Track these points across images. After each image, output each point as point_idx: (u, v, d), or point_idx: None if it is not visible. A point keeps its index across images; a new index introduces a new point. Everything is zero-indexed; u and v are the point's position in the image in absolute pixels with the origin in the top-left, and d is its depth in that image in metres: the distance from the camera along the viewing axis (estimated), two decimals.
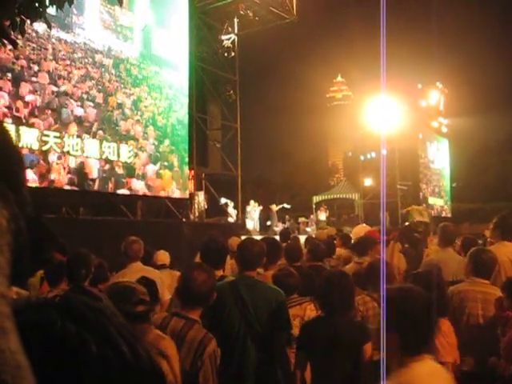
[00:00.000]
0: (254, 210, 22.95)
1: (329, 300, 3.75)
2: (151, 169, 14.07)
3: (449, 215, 32.02)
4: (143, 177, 13.78)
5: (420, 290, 2.60)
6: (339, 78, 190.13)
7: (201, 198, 18.82)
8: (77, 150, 11.91)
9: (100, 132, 12.61)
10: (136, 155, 13.55)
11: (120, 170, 13.04)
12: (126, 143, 13.33)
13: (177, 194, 15.13)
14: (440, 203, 32.05)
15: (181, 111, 15.48)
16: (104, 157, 12.58)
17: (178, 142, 15.21)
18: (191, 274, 3.37)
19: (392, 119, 25.22)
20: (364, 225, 9.91)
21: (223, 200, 21.03)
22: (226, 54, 20.74)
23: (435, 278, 3.90)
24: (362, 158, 30.57)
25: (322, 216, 28.56)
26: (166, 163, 14.60)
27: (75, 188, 11.84)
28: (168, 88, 15.04)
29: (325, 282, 3.86)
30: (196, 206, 18.31)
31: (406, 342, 2.39)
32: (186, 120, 15.74)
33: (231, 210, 20.99)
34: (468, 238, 6.69)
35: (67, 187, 11.64)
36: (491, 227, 5.82)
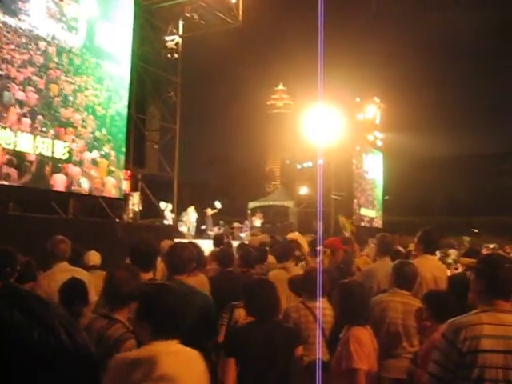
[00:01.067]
0: (192, 213, 22.89)
1: (259, 305, 3.84)
2: (88, 156, 14.01)
3: (380, 226, 32.86)
4: (80, 163, 13.64)
5: (174, 287, 3.12)
6: (281, 87, 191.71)
7: (136, 199, 18.63)
8: (9, 144, 11.64)
9: (40, 117, 12.48)
10: (70, 152, 13.36)
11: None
12: (63, 136, 13.17)
13: (112, 186, 14.94)
14: (372, 214, 32.86)
15: (119, 104, 15.44)
16: (37, 152, 12.35)
17: (115, 132, 15.17)
18: (114, 274, 3.41)
19: (330, 130, 25.72)
20: (297, 233, 10.09)
21: (163, 204, 20.90)
22: (169, 56, 20.65)
23: (357, 288, 4.06)
24: (298, 166, 30.98)
25: (257, 222, 28.74)
26: (103, 152, 14.55)
27: (5, 182, 11.54)
28: (109, 80, 15.04)
29: (252, 289, 3.95)
30: (130, 206, 18.12)
31: (155, 328, 2.81)
32: (124, 112, 15.67)
33: (168, 213, 20.88)
34: (397, 251, 6.98)
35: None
36: (415, 241, 6.08)
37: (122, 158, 15.54)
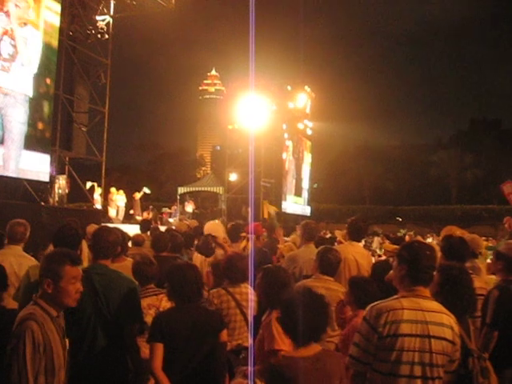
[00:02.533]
0: (119, 197, 22.53)
1: (182, 290, 3.85)
2: None
3: (308, 214, 33.39)
4: None
5: None
6: (213, 72, 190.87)
7: (62, 182, 18.15)
8: None
9: None
10: None
11: None
12: None
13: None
14: (300, 202, 33.33)
15: None
16: None
17: None
18: None
19: (260, 117, 25.84)
20: (217, 221, 10.13)
21: (89, 184, 20.49)
22: (99, 36, 20.15)
23: (280, 273, 4.14)
24: (228, 152, 30.99)
25: (189, 208, 28.66)
26: None
27: None
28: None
29: (175, 273, 3.96)
30: (56, 190, 17.64)
31: None
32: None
33: (97, 197, 20.48)
34: (320, 238, 7.15)
35: None
36: (346, 228, 6.30)
37: None
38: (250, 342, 4.21)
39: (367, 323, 3.18)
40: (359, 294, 4.24)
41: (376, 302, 3.28)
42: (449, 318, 3.22)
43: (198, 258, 7.05)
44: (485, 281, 5.63)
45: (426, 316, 3.14)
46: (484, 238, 22.28)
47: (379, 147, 53.71)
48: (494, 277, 5.94)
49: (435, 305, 3.25)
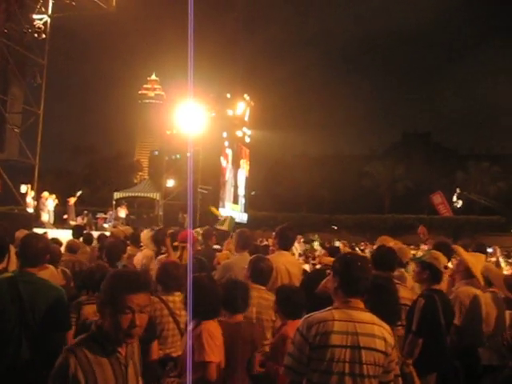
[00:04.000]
0: (49, 201, 21.95)
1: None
2: None
3: (245, 221, 33.49)
4: None
5: None
6: (153, 77, 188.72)
7: None
8: None
9: None
10: None
11: None
12: None
13: None
14: (237, 209, 33.40)
15: None
16: None
17: None
18: None
19: (199, 124, 25.79)
20: (150, 230, 10.07)
21: (24, 187, 19.92)
22: (36, 35, 19.62)
23: (207, 282, 4.14)
24: (166, 158, 30.76)
25: (122, 213, 28.19)
26: None
27: None
28: None
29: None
30: None
31: None
32: None
33: (29, 200, 19.91)
34: (255, 246, 7.20)
35: None
36: (273, 237, 6.34)
37: None
38: (188, 351, 4.20)
39: (300, 334, 3.24)
40: (286, 303, 4.31)
41: (310, 314, 3.34)
42: (381, 329, 3.28)
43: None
44: (410, 290, 5.84)
45: (356, 327, 3.20)
46: (413, 246, 22.98)
47: (316, 156, 54.55)
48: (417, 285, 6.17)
49: (367, 316, 3.31)
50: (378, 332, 3.25)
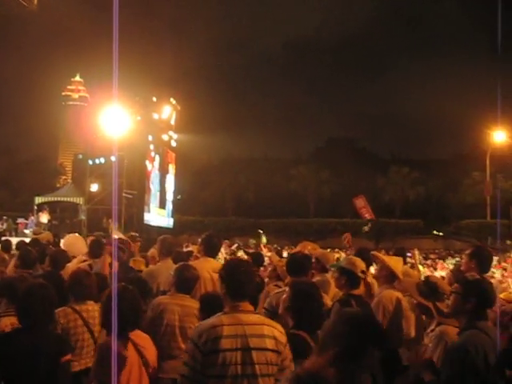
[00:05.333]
0: None
1: (30, 311, 3.68)
2: None
3: (171, 226, 33.19)
4: None
5: None
6: (77, 78, 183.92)
7: None
8: None
9: None
10: None
11: None
12: None
13: None
14: (164, 214, 33.05)
15: None
16: None
17: None
18: None
19: (124, 127, 25.36)
20: (76, 234, 9.81)
21: None
22: None
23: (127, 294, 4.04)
24: (90, 162, 30.05)
25: (44, 218, 27.32)
26: None
27: None
28: None
29: (26, 293, 3.78)
30: None
31: None
32: None
33: None
34: (177, 252, 7.15)
35: None
36: (198, 244, 6.32)
37: None
38: (113, 362, 4.09)
39: (192, 342, 3.30)
40: (209, 311, 4.29)
41: (201, 322, 3.45)
42: (271, 329, 3.38)
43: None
44: (332, 295, 5.94)
45: (245, 330, 3.28)
46: (337, 249, 23.50)
47: (242, 160, 54.73)
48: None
49: (256, 317, 3.43)
50: (268, 332, 3.34)
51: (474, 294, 3.71)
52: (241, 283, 3.42)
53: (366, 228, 17.96)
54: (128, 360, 3.68)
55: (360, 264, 5.24)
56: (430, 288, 4.54)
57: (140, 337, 3.89)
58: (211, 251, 6.24)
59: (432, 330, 4.19)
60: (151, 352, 3.90)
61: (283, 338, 3.41)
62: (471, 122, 45.27)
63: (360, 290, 5.19)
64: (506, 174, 46.82)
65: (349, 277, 5.07)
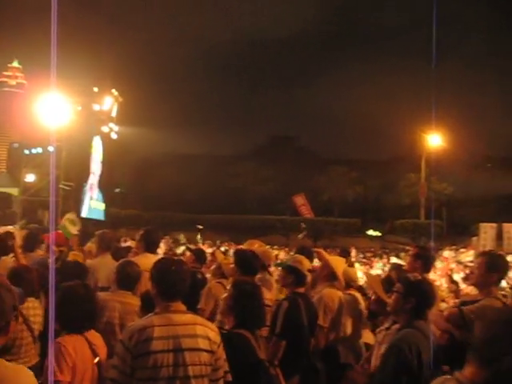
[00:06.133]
0: None
1: None
2: None
3: (109, 219, 32.61)
4: None
5: None
6: (15, 64, 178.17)
7: None
8: None
9: None
10: None
11: None
12: None
13: None
14: (102, 207, 32.45)
15: None
16: None
17: None
18: None
19: (63, 117, 24.69)
20: (10, 227, 9.50)
21: None
22: None
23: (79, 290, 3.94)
24: (27, 151, 29.16)
25: None
26: None
27: None
28: None
29: None
30: None
31: None
32: None
33: None
34: (116, 248, 7.03)
35: None
36: (137, 239, 6.22)
37: None
38: (49, 365, 3.96)
39: (122, 344, 3.20)
40: (150, 308, 4.22)
41: (131, 323, 3.37)
42: (204, 329, 3.33)
43: None
44: (275, 292, 6.00)
45: (178, 330, 3.22)
46: (276, 246, 23.70)
47: (184, 155, 54.33)
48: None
49: (189, 317, 3.36)
50: (201, 332, 3.29)
51: (415, 294, 3.80)
52: (172, 283, 3.35)
53: (300, 236, 18.26)
54: (83, 359, 3.56)
55: (307, 263, 5.31)
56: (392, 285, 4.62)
57: (95, 336, 3.79)
58: (151, 247, 6.17)
59: (387, 328, 4.26)
60: (104, 352, 3.79)
61: (217, 338, 3.37)
62: (408, 125, 46.49)
63: (304, 288, 5.26)
64: (440, 176, 48.38)
65: (296, 275, 5.12)
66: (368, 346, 6.30)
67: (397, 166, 51.47)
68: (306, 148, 73.12)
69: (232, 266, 6.28)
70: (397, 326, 3.96)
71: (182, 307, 3.38)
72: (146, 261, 5.82)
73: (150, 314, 3.35)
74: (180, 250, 17.77)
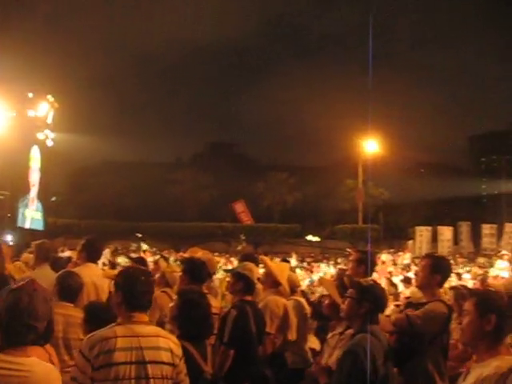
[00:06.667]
0: None
1: None
2: None
3: (46, 229, 31.71)
4: None
5: None
6: None
7: None
8: None
9: None
10: None
11: None
12: None
13: None
14: (39, 216, 31.52)
15: None
16: None
17: None
18: None
19: None
20: None
21: None
22: None
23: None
24: None
25: None
26: None
27: None
28: None
29: None
30: None
31: None
32: None
33: None
34: (55, 258, 6.80)
35: None
36: (79, 248, 6.04)
37: None
38: None
39: (82, 355, 3.09)
40: (95, 321, 4.09)
41: (92, 333, 3.22)
42: (167, 341, 3.26)
43: None
44: (220, 300, 5.97)
45: (141, 342, 3.14)
46: (217, 253, 23.62)
47: (122, 163, 53.47)
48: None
49: (152, 329, 3.28)
50: (164, 344, 3.22)
51: (368, 299, 3.84)
52: (140, 293, 3.26)
53: (239, 248, 18.27)
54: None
55: (256, 270, 5.30)
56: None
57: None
58: (93, 256, 6.01)
59: (341, 333, 4.28)
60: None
61: (179, 351, 3.30)
62: (345, 132, 47.50)
63: (252, 297, 5.23)
64: (376, 181, 49.53)
65: (245, 283, 5.09)
66: (312, 351, 6.37)
67: (335, 171, 52.33)
68: (245, 155, 73.52)
69: (176, 274, 6.21)
70: (351, 330, 3.99)
71: (145, 318, 3.29)
72: (89, 271, 5.68)
73: (111, 325, 3.22)
74: (121, 259, 17.48)
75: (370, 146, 42.36)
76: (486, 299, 2.98)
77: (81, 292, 4.96)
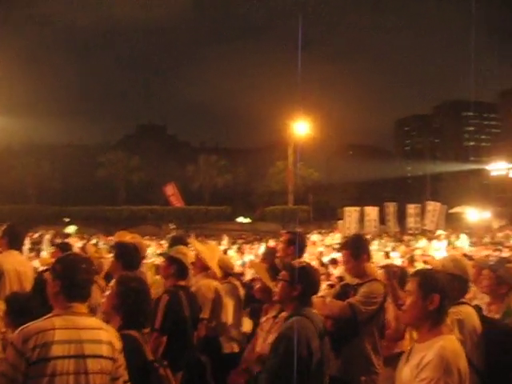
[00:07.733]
0: None
1: None
2: None
3: None
4: None
5: None
6: None
7: None
8: None
9: None
10: None
11: None
12: None
13: None
14: None
15: None
16: None
17: None
18: None
19: None
20: None
21: None
22: None
23: None
24: None
25: None
26: None
27: None
28: None
29: None
30: None
31: None
32: None
33: None
34: None
35: None
36: (0, 235, 5.71)
37: None
38: None
39: (14, 349, 2.82)
40: (20, 314, 3.83)
41: (26, 325, 2.92)
42: (108, 334, 3.07)
43: None
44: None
45: (81, 334, 2.93)
46: (148, 237, 23.26)
47: (46, 145, 51.68)
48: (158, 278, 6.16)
49: (93, 321, 3.08)
50: (105, 337, 3.03)
51: (301, 281, 3.76)
52: (81, 282, 3.03)
53: (169, 236, 18.02)
54: None
55: (190, 254, 5.14)
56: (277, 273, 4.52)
57: None
58: (15, 243, 5.71)
59: (275, 317, 4.18)
60: None
61: (119, 345, 3.10)
62: (276, 114, 47.80)
63: (185, 281, 5.06)
64: (306, 163, 50.16)
65: (178, 267, 4.91)
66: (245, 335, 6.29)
67: (265, 154, 52.66)
68: (175, 137, 72.83)
69: (104, 259, 5.96)
70: (284, 314, 3.90)
71: (85, 309, 3.06)
72: (12, 258, 5.38)
73: (48, 315, 2.95)
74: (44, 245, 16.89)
75: (301, 128, 42.72)
76: (429, 279, 2.97)
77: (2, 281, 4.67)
